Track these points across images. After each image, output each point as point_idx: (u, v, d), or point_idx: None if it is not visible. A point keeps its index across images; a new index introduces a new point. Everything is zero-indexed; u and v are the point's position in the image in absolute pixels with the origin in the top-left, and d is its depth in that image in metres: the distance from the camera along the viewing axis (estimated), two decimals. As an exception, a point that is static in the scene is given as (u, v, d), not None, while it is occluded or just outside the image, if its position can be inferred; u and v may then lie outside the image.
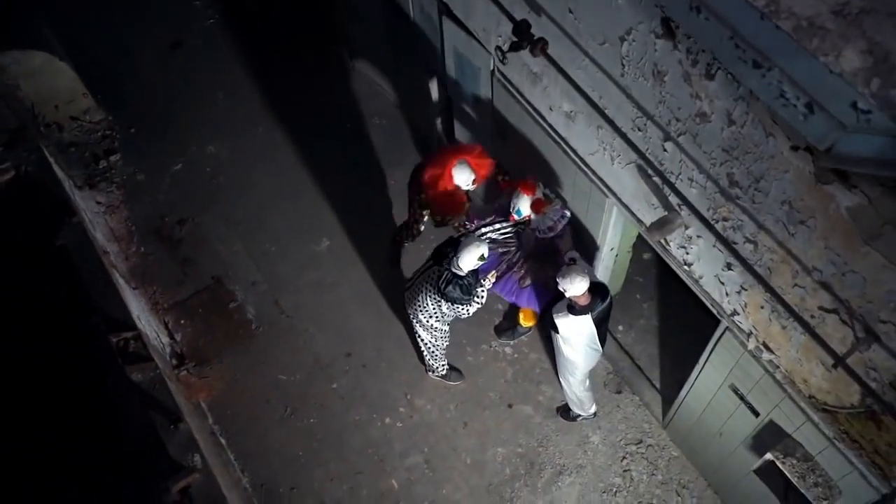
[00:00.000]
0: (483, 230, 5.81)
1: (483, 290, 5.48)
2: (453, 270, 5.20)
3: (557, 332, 5.28)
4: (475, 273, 5.38)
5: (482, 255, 5.16)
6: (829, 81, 2.29)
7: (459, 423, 6.38)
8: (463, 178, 5.51)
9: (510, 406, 6.44)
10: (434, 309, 5.49)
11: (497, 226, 5.75)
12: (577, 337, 5.22)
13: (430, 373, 6.41)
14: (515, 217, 5.55)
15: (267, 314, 6.92)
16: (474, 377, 6.56)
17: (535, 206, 5.46)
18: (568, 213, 5.56)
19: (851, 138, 2.38)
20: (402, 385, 6.54)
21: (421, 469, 6.19)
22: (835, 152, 2.51)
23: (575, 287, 4.86)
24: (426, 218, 5.96)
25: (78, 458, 5.31)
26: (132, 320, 5.77)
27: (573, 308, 5.03)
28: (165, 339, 6.71)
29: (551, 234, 5.52)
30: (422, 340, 5.98)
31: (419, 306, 5.58)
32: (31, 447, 5.25)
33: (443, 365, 6.26)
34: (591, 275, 5.09)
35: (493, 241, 5.80)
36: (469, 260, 5.13)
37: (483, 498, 6.07)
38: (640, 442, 6.26)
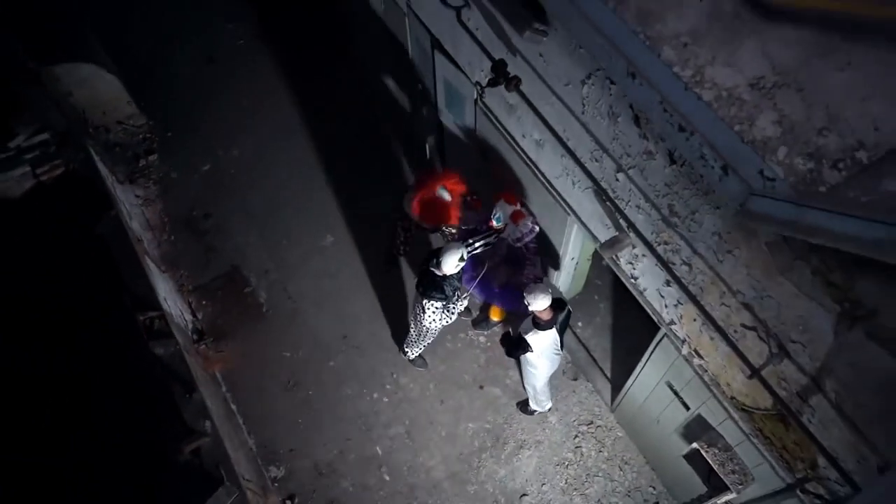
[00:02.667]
0: (471, 244, 5.71)
1: (461, 303, 5.43)
2: (433, 269, 5.15)
3: (531, 352, 5.15)
4: (458, 278, 5.32)
5: (462, 256, 5.11)
6: (740, 149, 2.23)
7: (437, 400, 6.35)
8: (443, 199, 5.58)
9: (481, 387, 6.41)
10: (419, 311, 5.46)
11: (480, 241, 5.64)
12: (544, 349, 5.15)
13: (403, 354, 6.36)
14: (494, 223, 5.45)
15: (276, 298, 6.87)
16: (451, 361, 6.52)
17: (514, 216, 5.40)
18: (537, 228, 5.49)
19: (759, 200, 2.32)
20: (389, 365, 6.50)
21: (402, 438, 6.17)
22: (746, 210, 2.44)
23: (538, 302, 4.81)
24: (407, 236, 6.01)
25: (104, 420, 5.30)
26: (158, 302, 5.72)
27: (539, 325, 4.96)
28: (189, 317, 6.66)
29: (519, 244, 5.46)
30: (412, 331, 5.94)
31: (416, 310, 5.58)
32: (63, 409, 5.24)
33: (414, 352, 6.19)
34: (556, 291, 5.01)
35: (474, 250, 5.71)
36: (450, 262, 5.07)
37: (454, 465, 6.06)
38: (591, 423, 6.23)
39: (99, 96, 7.46)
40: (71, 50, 7.14)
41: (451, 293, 5.29)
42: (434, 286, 5.21)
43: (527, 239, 5.43)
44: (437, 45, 5.68)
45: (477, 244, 5.53)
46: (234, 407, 6.30)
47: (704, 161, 2.51)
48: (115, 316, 5.53)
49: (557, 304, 5.00)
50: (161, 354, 5.46)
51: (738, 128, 2.20)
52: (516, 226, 5.44)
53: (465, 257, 5.17)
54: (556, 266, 5.89)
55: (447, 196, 5.60)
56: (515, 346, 5.28)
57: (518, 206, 5.43)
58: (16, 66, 6.67)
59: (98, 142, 7.51)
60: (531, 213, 5.60)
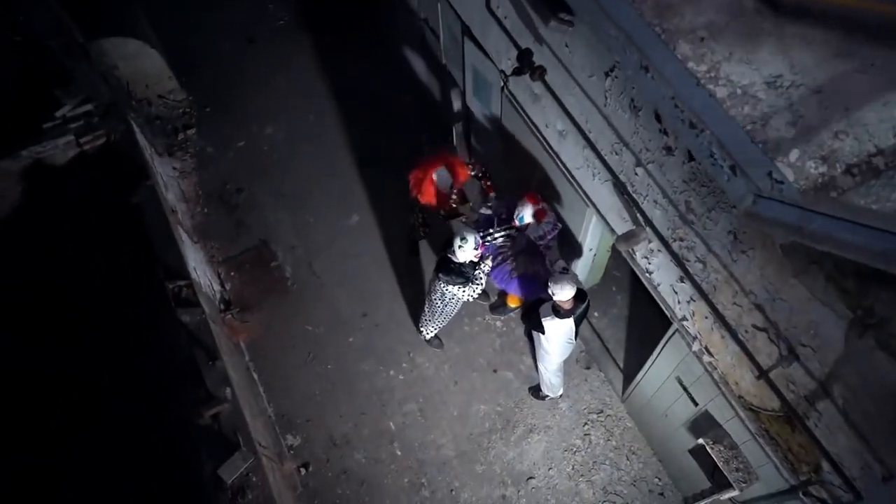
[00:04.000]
0: (489, 236, 5.63)
1: (482, 275, 5.35)
2: (449, 255, 5.11)
3: (543, 334, 5.09)
4: (473, 265, 5.26)
5: (464, 238, 5.00)
6: (750, 149, 2.11)
7: (451, 381, 6.32)
8: (441, 182, 5.50)
9: (495, 371, 6.36)
10: (433, 291, 5.41)
11: (501, 233, 5.55)
12: (558, 336, 5.08)
13: (420, 333, 6.32)
14: (517, 223, 5.34)
15: (301, 274, 6.89)
16: (467, 344, 6.47)
17: (537, 215, 5.29)
18: (560, 226, 5.38)
19: (766, 203, 2.19)
20: (406, 344, 6.48)
21: (415, 416, 6.17)
22: (753, 211, 2.32)
23: (563, 293, 4.71)
24: (424, 217, 5.89)
25: (132, 382, 5.38)
26: (187, 271, 5.76)
27: (558, 312, 4.88)
28: (217, 287, 6.72)
29: (541, 242, 5.36)
30: (426, 310, 5.90)
31: (431, 290, 5.55)
32: (93, 369, 5.33)
33: (430, 331, 6.14)
34: (577, 282, 4.91)
35: (494, 240, 5.63)
36: (457, 247, 5.00)
37: (464, 445, 6.04)
38: (601, 412, 6.15)
39: (143, 71, 7.50)
40: (119, 25, 7.19)
41: (465, 279, 5.23)
42: (449, 270, 5.17)
43: (549, 237, 5.33)
44: (467, 31, 5.58)
45: (497, 235, 5.47)
46: (255, 376, 6.36)
47: (713, 160, 2.38)
48: (147, 282, 5.59)
49: (579, 295, 4.91)
50: (187, 322, 5.51)
51: (750, 127, 2.07)
52: (539, 224, 5.33)
53: (470, 240, 5.03)
54: (576, 256, 5.78)
55: (445, 177, 5.44)
56: (532, 324, 5.23)
57: (540, 206, 5.30)
58: (65, 40, 6.74)
59: (140, 114, 7.57)
60: (554, 210, 5.47)
